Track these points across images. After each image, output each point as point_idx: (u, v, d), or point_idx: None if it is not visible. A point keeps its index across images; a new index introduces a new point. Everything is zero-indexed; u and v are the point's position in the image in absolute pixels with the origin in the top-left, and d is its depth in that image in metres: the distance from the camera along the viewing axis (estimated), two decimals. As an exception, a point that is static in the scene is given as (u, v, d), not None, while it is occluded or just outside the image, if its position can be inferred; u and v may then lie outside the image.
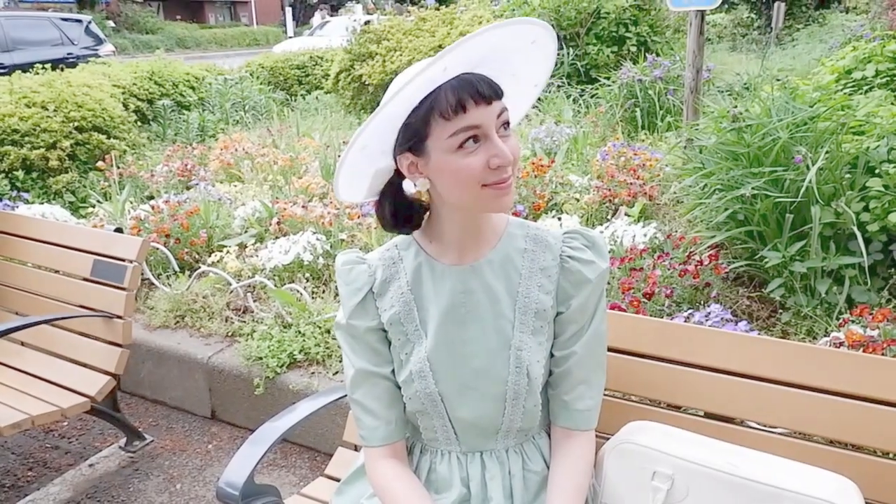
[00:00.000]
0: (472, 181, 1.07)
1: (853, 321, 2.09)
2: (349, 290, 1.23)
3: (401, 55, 6.39)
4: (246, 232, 3.53)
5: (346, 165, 1.11)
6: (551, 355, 1.23)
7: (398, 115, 1.07)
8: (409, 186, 1.14)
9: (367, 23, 7.22)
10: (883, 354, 1.86)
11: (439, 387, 1.19)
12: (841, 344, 1.94)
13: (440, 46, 6.35)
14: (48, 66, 5.88)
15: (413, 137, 1.08)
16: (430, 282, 1.21)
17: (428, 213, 1.22)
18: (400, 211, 1.20)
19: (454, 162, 1.06)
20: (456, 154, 1.06)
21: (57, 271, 2.62)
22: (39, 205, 4.06)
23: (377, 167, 1.16)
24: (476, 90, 1.03)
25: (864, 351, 1.88)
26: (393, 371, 1.23)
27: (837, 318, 2.23)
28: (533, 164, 3.62)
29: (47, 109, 4.88)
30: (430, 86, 1.04)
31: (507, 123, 1.09)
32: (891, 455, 1.28)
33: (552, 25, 6.99)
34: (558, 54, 6.82)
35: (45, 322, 2.44)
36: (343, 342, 1.25)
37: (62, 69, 5.90)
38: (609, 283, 2.34)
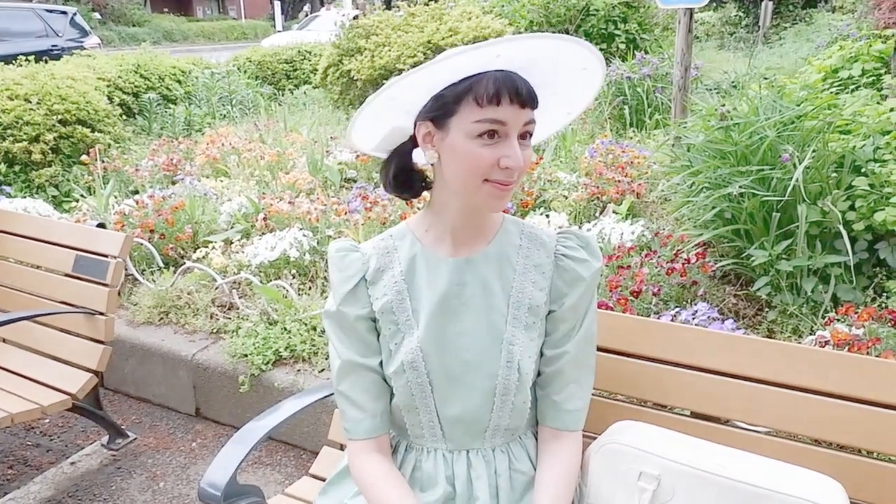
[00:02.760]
0: (477, 171, 1.08)
1: (839, 320, 2.09)
2: (341, 277, 1.22)
3: (390, 50, 6.36)
4: (232, 228, 3.50)
5: (369, 107, 1.10)
6: (542, 354, 1.22)
7: (437, 82, 1.08)
8: (419, 156, 1.17)
9: (355, 17, 7.17)
10: (868, 353, 1.86)
11: (430, 378, 1.18)
12: (826, 342, 1.95)
13: (429, 42, 6.32)
14: (32, 57, 5.79)
15: (440, 109, 1.09)
16: (424, 272, 1.20)
17: (428, 201, 1.23)
18: (401, 175, 1.22)
19: (469, 147, 1.07)
20: (473, 141, 1.07)
21: (38, 267, 2.58)
22: (22, 199, 4.00)
23: (396, 124, 1.17)
24: (516, 89, 1.05)
25: (849, 350, 1.89)
26: (380, 363, 1.22)
27: (823, 317, 2.24)
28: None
29: (30, 102, 4.82)
30: (480, 66, 1.05)
31: (530, 133, 1.11)
32: (875, 455, 1.28)
33: (542, 22, 6.98)
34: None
35: (26, 318, 2.41)
36: (331, 331, 1.24)
37: (46, 61, 5.82)
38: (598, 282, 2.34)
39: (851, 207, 2.43)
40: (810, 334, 2.16)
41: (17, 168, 4.66)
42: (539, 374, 1.24)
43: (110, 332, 2.35)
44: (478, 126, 1.06)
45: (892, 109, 2.60)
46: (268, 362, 2.54)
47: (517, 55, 1.05)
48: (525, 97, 1.06)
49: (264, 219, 3.41)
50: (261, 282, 2.92)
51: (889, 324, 2.02)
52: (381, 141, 1.20)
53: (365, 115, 1.13)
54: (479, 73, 1.06)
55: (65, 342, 2.41)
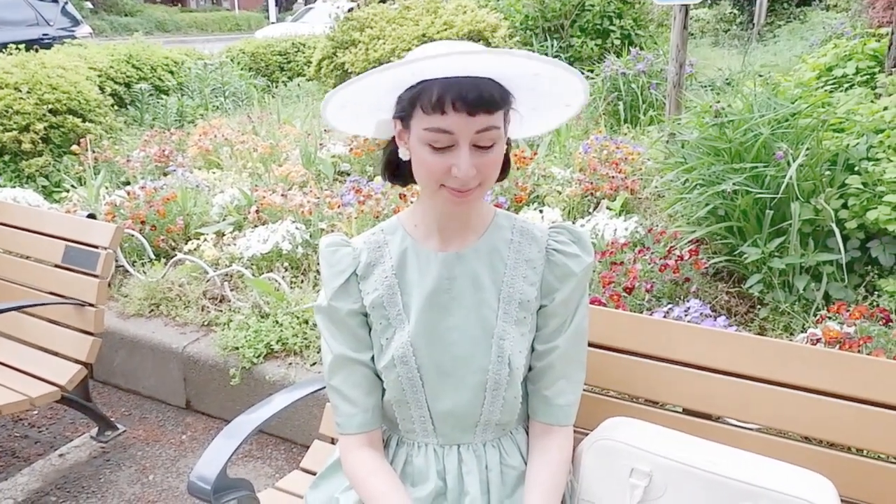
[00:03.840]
0: (431, 177, 1.07)
1: (830, 318, 2.10)
2: (332, 272, 1.21)
3: (384, 43, 6.33)
4: (224, 220, 3.48)
5: (344, 91, 1.07)
6: (533, 349, 1.22)
7: (397, 83, 1.06)
8: (402, 151, 1.15)
9: (350, 10, 7.13)
10: (859, 351, 1.87)
11: (421, 372, 1.18)
12: (818, 340, 1.95)
13: (424, 35, 6.29)
14: (22, 46, 5.73)
15: (402, 111, 1.08)
16: (415, 267, 1.20)
17: (419, 195, 1.22)
18: (391, 165, 1.21)
19: (421, 152, 1.06)
20: (425, 146, 1.05)
21: (28, 257, 2.56)
22: (11, 189, 3.97)
23: (381, 118, 1.15)
24: (463, 97, 1.00)
25: (840, 347, 1.90)
26: (372, 358, 1.22)
27: (815, 315, 2.25)
28: (515, 156, 3.60)
29: (20, 91, 4.76)
30: (432, 73, 1.01)
31: (489, 139, 1.04)
32: (866, 452, 1.28)
33: (537, 16, 6.95)
34: (542, 46, 6.82)
35: (15, 309, 2.39)
36: (323, 326, 1.23)
37: (37, 50, 5.75)
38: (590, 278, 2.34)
39: (844, 206, 2.43)
40: (802, 332, 2.17)
41: (6, 158, 4.62)
42: (530, 368, 1.23)
43: (100, 324, 2.33)
44: (426, 134, 1.04)
45: (885, 108, 2.61)
46: (259, 355, 2.53)
47: (476, 66, 1.00)
48: (474, 104, 1.00)
49: (257, 211, 3.39)
50: (253, 274, 2.91)
51: (880, 322, 2.03)
52: (377, 128, 1.19)
53: (342, 95, 1.09)
54: (428, 80, 1.02)
55: (54, 333, 2.39)
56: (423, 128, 1.04)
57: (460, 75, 1.00)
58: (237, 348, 2.56)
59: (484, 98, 1.01)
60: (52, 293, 2.42)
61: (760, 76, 3.95)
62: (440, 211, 1.16)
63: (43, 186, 4.56)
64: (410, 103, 1.05)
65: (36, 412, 2.72)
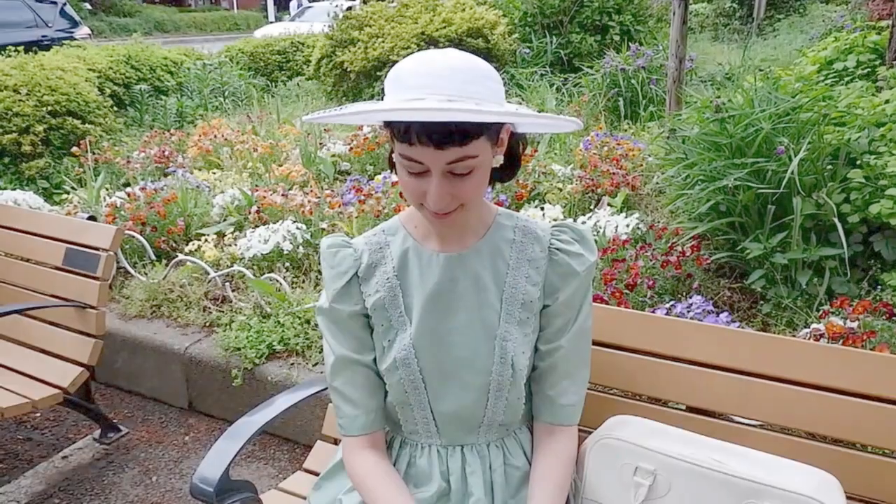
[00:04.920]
0: (411, 196, 1.08)
1: (833, 313, 2.09)
2: (333, 274, 1.20)
3: (383, 42, 6.32)
4: (224, 220, 3.48)
5: (331, 115, 1.08)
6: (536, 350, 1.21)
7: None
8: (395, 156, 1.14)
9: (349, 8, 7.12)
10: (862, 346, 1.87)
11: (423, 374, 1.17)
12: (821, 335, 1.95)
13: (423, 33, 6.28)
14: (21, 48, 5.73)
15: (388, 128, 1.06)
16: (416, 268, 1.19)
17: None
18: (392, 160, 1.19)
19: (401, 173, 1.07)
20: (403, 169, 1.06)
21: (28, 260, 2.55)
22: (11, 191, 3.96)
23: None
24: (427, 131, 0.97)
25: (843, 343, 1.89)
26: (374, 359, 1.21)
27: (818, 310, 2.24)
28: (516, 153, 3.59)
29: (19, 93, 4.76)
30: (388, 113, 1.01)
31: (465, 168, 1.02)
32: (870, 448, 1.28)
33: (536, 13, 6.93)
34: (541, 42, 6.80)
35: (16, 312, 2.38)
36: (324, 328, 1.23)
37: (36, 52, 5.75)
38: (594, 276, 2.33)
39: (846, 200, 2.42)
40: (805, 327, 2.16)
41: (6, 160, 4.61)
42: (534, 368, 1.22)
43: (101, 326, 2.33)
44: (400, 158, 1.04)
45: (887, 101, 2.59)
46: (261, 356, 2.53)
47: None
48: (441, 139, 0.97)
49: (257, 211, 3.39)
50: (254, 275, 2.90)
51: (883, 317, 2.03)
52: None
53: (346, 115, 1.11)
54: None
55: (55, 336, 2.39)
56: (399, 152, 1.04)
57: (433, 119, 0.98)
58: (239, 349, 2.56)
59: (451, 133, 0.97)
60: (53, 295, 2.41)
61: (761, 70, 3.94)
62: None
63: (43, 188, 4.56)
64: (389, 126, 1.04)
65: (38, 415, 2.72)
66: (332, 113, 1.07)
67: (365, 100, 5.91)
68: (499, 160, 1.11)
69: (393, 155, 1.11)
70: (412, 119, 0.98)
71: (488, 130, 1.03)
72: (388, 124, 1.05)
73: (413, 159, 1.01)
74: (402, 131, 0.99)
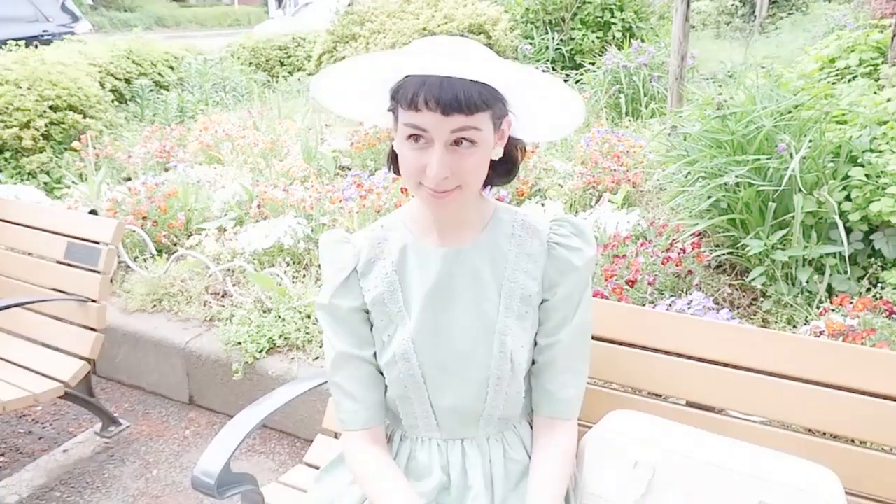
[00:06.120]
0: (410, 174, 1.07)
1: (833, 310, 2.10)
2: (333, 269, 1.21)
3: (384, 37, 6.32)
4: (225, 215, 3.48)
5: (341, 70, 1.07)
6: (535, 344, 1.22)
7: (384, 77, 1.06)
8: (395, 143, 1.14)
9: (350, 4, 7.11)
10: (862, 344, 1.87)
11: (422, 369, 1.17)
12: (821, 333, 1.95)
13: (424, 29, 6.27)
14: (22, 42, 5.72)
15: (392, 104, 1.08)
16: (415, 263, 1.19)
17: None
18: (394, 154, 1.18)
19: (402, 147, 1.07)
20: (405, 142, 1.05)
21: (30, 253, 2.55)
22: (13, 185, 3.97)
23: (379, 110, 1.14)
24: (435, 96, 0.98)
25: (843, 340, 1.89)
26: (374, 354, 1.21)
27: (818, 307, 2.24)
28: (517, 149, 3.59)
29: (20, 87, 4.75)
30: (399, 70, 1.02)
31: (467, 139, 1.03)
32: (869, 444, 1.28)
33: (538, 9, 6.92)
34: (543, 39, 6.79)
35: (18, 305, 2.39)
36: (324, 323, 1.23)
37: (36, 46, 5.74)
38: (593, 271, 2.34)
39: (847, 198, 2.42)
40: (805, 324, 2.16)
41: (7, 154, 4.61)
42: (533, 362, 1.23)
43: (102, 320, 2.34)
44: (404, 129, 1.04)
45: (888, 99, 2.59)
46: (262, 350, 2.53)
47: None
48: (447, 103, 0.98)
49: (258, 206, 3.39)
50: (255, 269, 2.91)
51: (884, 314, 2.03)
52: (377, 119, 1.19)
53: (326, 97, 1.13)
54: (410, 75, 1.01)
55: (57, 330, 2.39)
56: (403, 122, 1.04)
57: (442, 74, 0.99)
58: (239, 343, 2.56)
59: (459, 99, 0.98)
60: (54, 289, 2.42)
61: (763, 68, 3.93)
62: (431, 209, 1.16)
63: (44, 183, 4.55)
64: (393, 97, 1.05)
65: (39, 408, 2.72)
66: (345, 67, 1.05)
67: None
68: (498, 152, 1.11)
69: (394, 143, 1.11)
70: (428, 71, 0.99)
71: (493, 107, 1.04)
72: (394, 95, 1.05)
73: (418, 126, 1.02)
74: (409, 97, 1.00)
